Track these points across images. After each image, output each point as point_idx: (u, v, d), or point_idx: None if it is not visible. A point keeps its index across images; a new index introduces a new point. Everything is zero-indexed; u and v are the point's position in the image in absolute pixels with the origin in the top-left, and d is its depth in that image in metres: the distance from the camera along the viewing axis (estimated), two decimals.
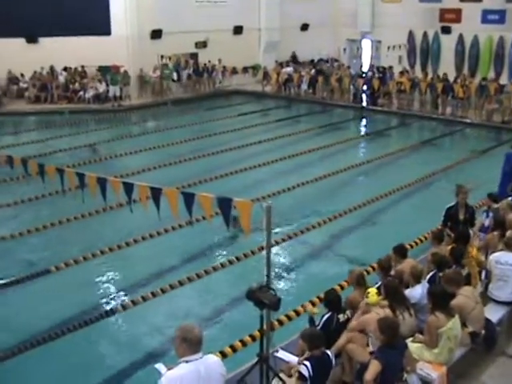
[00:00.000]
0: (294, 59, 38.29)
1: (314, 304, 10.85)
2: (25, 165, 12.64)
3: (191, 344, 5.37)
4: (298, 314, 10.71)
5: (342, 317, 8.09)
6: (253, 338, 9.69)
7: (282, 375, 8.03)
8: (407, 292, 8.92)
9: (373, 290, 8.31)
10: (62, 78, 32.90)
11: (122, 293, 12.21)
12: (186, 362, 5.37)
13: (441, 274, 9.33)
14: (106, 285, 12.74)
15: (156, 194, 8.80)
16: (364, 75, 33.37)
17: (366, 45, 40.01)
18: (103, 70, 33.26)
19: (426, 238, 13.81)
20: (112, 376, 9.56)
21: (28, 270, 12.97)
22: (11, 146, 22.42)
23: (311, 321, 8.31)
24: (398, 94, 31.02)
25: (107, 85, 32.52)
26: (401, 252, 10.03)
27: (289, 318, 10.55)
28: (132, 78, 33.58)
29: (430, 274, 9.55)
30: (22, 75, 32.99)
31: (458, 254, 9.75)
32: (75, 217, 15.52)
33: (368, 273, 11.32)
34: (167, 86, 34.55)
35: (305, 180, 18.54)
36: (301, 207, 16.93)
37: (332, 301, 8.21)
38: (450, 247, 10.25)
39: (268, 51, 38.77)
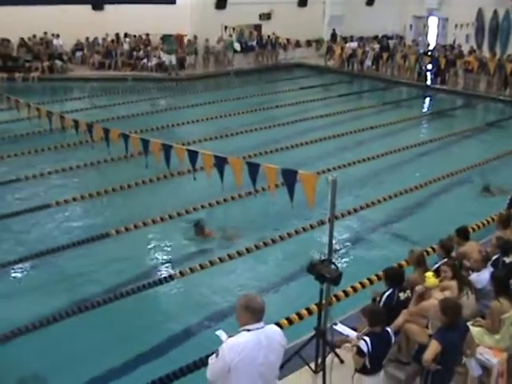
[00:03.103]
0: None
1: (371, 281, 10.88)
2: (90, 130, 12.89)
3: (253, 313, 5.37)
4: (355, 290, 10.69)
5: (402, 295, 8.01)
6: (309, 311, 9.72)
7: (337, 351, 8.07)
8: (474, 276, 8.78)
9: (429, 274, 8.18)
10: (126, 46, 33.19)
11: (181, 259, 12.31)
12: (248, 330, 5.36)
13: (505, 259, 9.17)
14: (165, 250, 12.87)
15: (220, 162, 8.84)
16: (430, 53, 32.70)
17: (433, 22, 39.12)
18: (166, 39, 33.42)
19: (488, 222, 13.60)
20: (172, 338, 9.71)
21: (89, 232, 13.22)
22: (75, 111, 22.72)
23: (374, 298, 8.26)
24: (464, 73, 30.31)
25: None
26: (464, 234, 9.86)
27: (346, 293, 10.52)
28: (195, 48, 33.63)
29: (494, 258, 9.34)
30: (88, 41, 33.40)
31: None
32: (136, 182, 15.77)
33: (428, 253, 11.17)
34: (230, 56, 34.52)
35: (365, 156, 18.38)
36: (360, 183, 16.76)
37: (392, 276, 8.10)
38: None
39: (332, 25, 38.27)
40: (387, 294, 7.94)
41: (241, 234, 13.28)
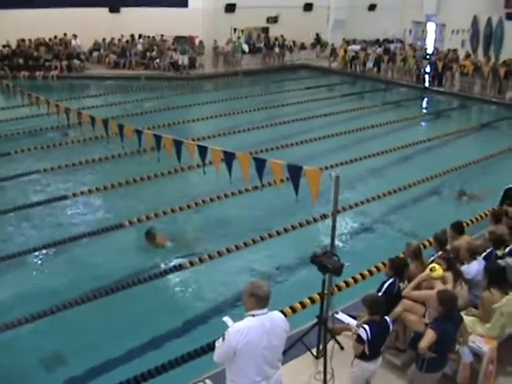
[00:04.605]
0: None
1: (371, 272, 10.87)
2: (105, 125, 12.90)
3: (259, 299, 5.40)
4: (355, 280, 10.69)
5: (402, 285, 7.99)
6: (312, 300, 9.73)
7: (338, 338, 8.07)
8: (464, 268, 8.75)
9: (437, 266, 8.15)
10: (140, 46, 33.21)
11: (189, 250, 12.23)
12: (253, 315, 5.41)
13: (497, 252, 9.14)
14: (176, 241, 12.75)
15: (229, 158, 8.83)
16: (428, 57, 32.60)
17: (431, 28, 39.04)
18: (178, 40, 33.44)
19: (481, 217, 13.57)
20: (183, 324, 9.72)
21: (104, 222, 13.25)
22: (91, 107, 22.72)
23: None
24: (460, 76, 30.19)
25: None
26: (458, 228, 9.79)
27: (347, 284, 10.53)
28: (206, 49, 33.63)
29: (487, 251, 9.30)
30: (104, 42, 33.45)
31: None
32: (148, 176, 15.80)
33: (424, 247, 11.14)
34: (239, 57, 34.47)
35: (367, 154, 18.35)
36: (362, 179, 16.72)
37: (397, 266, 8.08)
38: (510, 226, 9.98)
39: (336, 29, 38.22)
40: (389, 282, 7.92)
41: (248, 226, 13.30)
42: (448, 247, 9.26)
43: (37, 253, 11.94)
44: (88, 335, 9.28)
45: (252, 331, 5.32)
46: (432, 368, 6.73)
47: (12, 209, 13.96)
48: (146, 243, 12.31)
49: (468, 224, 12.76)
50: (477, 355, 7.55)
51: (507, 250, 9.20)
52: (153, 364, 8.35)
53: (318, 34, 37.65)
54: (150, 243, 12.33)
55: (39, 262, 11.77)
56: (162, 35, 33.64)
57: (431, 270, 8.02)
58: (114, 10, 33.25)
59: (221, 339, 5.37)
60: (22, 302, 10.14)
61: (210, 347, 7.91)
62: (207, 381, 7.57)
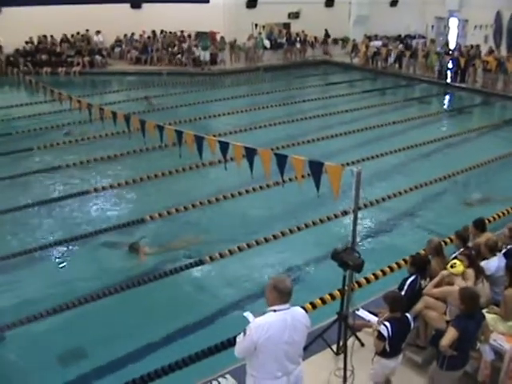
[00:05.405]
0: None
1: (392, 269, 10.83)
2: (127, 121, 12.96)
3: (281, 293, 5.40)
4: (376, 277, 10.65)
5: (423, 282, 7.95)
6: (332, 296, 9.72)
7: (358, 334, 8.05)
8: (483, 263, 8.68)
9: (457, 262, 8.11)
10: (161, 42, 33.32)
11: (209, 244, 12.25)
12: (274, 311, 5.41)
13: None
14: (195, 236, 12.85)
15: (250, 153, 8.83)
16: (450, 52, 32.32)
17: (453, 23, 38.68)
18: (200, 36, 33.51)
19: (503, 214, 13.47)
20: (204, 319, 9.72)
21: (124, 217, 13.36)
22: (113, 103, 22.83)
23: None
24: (483, 72, 29.87)
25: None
26: (480, 226, 9.70)
27: (367, 280, 10.49)
28: (227, 45, 33.68)
29: (507, 248, 9.20)
30: (126, 38, 33.60)
31: None
32: (170, 171, 15.86)
33: (446, 243, 11.07)
34: (260, 53, 34.44)
35: (388, 150, 18.23)
36: (383, 175, 16.63)
37: (419, 263, 8.04)
38: None
39: (357, 24, 38.02)
40: (411, 279, 7.88)
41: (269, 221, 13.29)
42: (470, 244, 9.21)
43: (58, 247, 12.04)
44: (107, 330, 9.35)
45: (273, 326, 5.34)
46: (453, 366, 6.69)
47: (34, 203, 14.10)
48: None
49: (490, 221, 12.67)
50: (498, 353, 7.48)
51: None
52: (173, 358, 8.39)
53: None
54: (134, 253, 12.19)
55: (60, 256, 11.84)
56: (183, 31, 33.72)
57: (452, 266, 7.98)
58: (136, 5, 33.40)
59: (242, 334, 5.39)
60: (41, 296, 10.26)
61: (231, 342, 7.93)
62: (228, 376, 7.60)
